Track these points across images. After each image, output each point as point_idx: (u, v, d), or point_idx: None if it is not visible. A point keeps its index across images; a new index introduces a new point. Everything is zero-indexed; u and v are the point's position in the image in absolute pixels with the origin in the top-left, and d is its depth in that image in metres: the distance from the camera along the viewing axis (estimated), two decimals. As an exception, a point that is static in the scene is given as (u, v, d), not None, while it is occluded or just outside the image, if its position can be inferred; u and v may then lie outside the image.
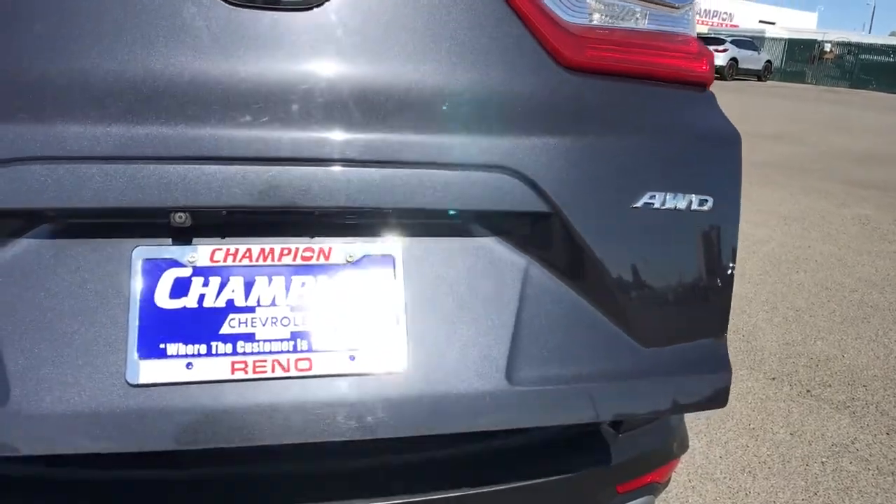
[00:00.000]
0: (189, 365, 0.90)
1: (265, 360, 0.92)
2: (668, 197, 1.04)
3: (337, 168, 0.92)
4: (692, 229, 1.08)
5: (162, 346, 0.90)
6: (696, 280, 1.09)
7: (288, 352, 0.93)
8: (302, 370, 0.93)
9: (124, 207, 0.88)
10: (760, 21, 56.33)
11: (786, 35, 40.65)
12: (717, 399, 1.10)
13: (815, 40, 37.15)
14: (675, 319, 1.09)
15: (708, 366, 1.10)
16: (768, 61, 33.65)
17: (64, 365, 0.87)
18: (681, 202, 1.05)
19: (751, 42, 33.03)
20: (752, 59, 31.80)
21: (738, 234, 1.11)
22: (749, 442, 2.58)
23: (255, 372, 0.92)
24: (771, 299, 4.02)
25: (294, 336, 0.94)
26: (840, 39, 37.54)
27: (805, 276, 4.54)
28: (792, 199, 6.76)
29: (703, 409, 1.12)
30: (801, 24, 61.46)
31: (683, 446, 1.38)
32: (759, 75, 32.20)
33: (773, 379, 3.08)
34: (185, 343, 0.91)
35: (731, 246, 1.10)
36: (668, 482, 1.42)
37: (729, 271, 1.10)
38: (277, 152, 0.90)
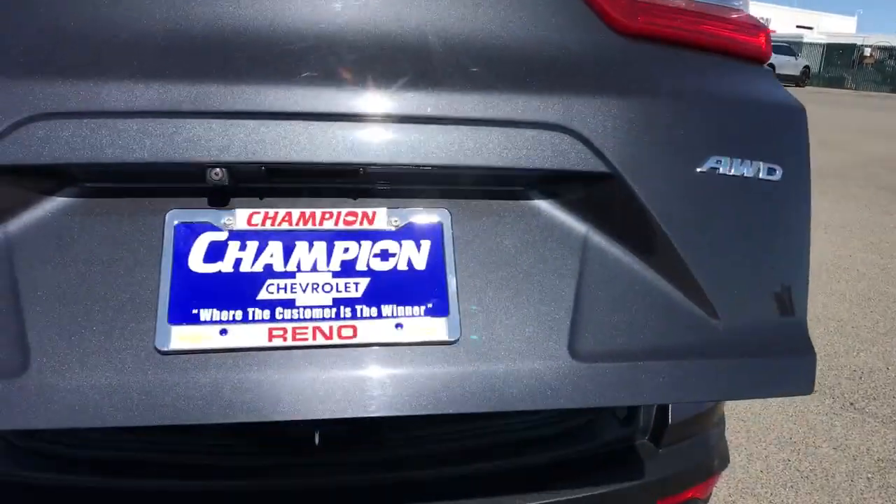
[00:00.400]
0: (223, 331, 0.86)
1: (306, 328, 0.87)
2: (734, 163, 1.00)
3: (382, 124, 0.88)
4: (762, 198, 1.02)
5: (195, 311, 0.86)
6: (768, 252, 1.03)
7: (330, 319, 0.88)
8: (345, 338, 0.88)
9: (159, 162, 0.84)
10: (798, 26, 55.45)
11: (824, 40, 39.95)
12: (801, 383, 1.01)
13: (855, 45, 36.43)
14: (749, 294, 1.02)
15: (788, 346, 1.02)
16: (806, 66, 33.09)
17: (88, 331, 0.83)
18: (748, 169, 1.01)
19: (788, 48, 32.52)
20: (789, 65, 31.31)
21: (810, 207, 1.06)
22: (790, 456, 2.53)
23: (294, 339, 0.87)
24: (812, 309, 3.93)
25: (337, 303, 0.89)
26: (881, 43, 36.73)
27: (847, 285, 4.44)
28: (833, 207, 6.62)
29: (786, 395, 1.04)
30: (839, 28, 60.32)
31: (724, 461, 1.36)
32: (797, 81, 31.64)
33: (815, 391, 3.01)
34: (220, 309, 0.87)
35: (804, 218, 1.05)
36: (708, 498, 1.40)
37: (803, 245, 1.05)
38: (318, 107, 0.86)
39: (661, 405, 1.27)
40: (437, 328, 0.90)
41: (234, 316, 0.87)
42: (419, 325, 0.90)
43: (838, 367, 3.25)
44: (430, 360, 0.89)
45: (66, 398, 0.80)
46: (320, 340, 0.87)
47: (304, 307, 0.88)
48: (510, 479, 1.14)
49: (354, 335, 0.88)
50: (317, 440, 1.12)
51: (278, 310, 0.88)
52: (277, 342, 0.86)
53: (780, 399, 2.90)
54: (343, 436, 1.18)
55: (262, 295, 0.88)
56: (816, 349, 1.05)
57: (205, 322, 0.86)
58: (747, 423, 2.72)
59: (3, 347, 0.81)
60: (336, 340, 0.87)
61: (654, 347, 0.95)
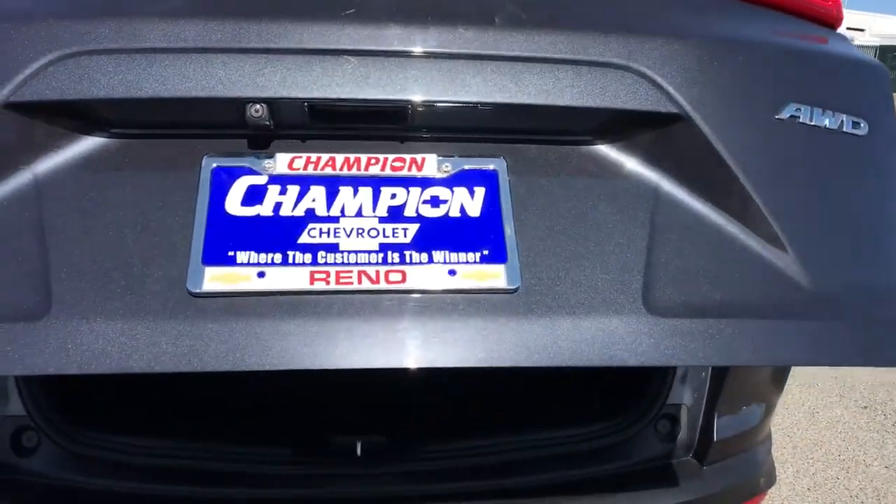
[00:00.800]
0: (261, 274, 0.81)
1: (350, 272, 0.82)
2: (815, 112, 0.95)
3: (432, 61, 0.84)
4: (849, 151, 0.97)
5: (231, 253, 0.82)
6: (859, 207, 0.96)
7: (377, 264, 0.83)
8: (393, 282, 0.82)
9: (197, 97, 0.81)
10: (849, 28, 54.00)
11: (877, 42, 38.85)
12: None
13: (910, 47, 35.33)
14: (840, 251, 0.95)
15: (890, 311, 0.93)
16: (857, 70, 32.18)
17: (115, 273, 0.80)
18: (831, 120, 0.96)
19: (838, 50, 31.70)
20: (839, 69, 30.50)
21: None
22: (839, 474, 2.46)
23: (338, 283, 0.81)
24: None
25: (384, 248, 0.84)
26: (937, 46, 35.56)
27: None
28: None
29: (886, 365, 0.93)
30: (894, 29, 58.59)
31: (770, 480, 1.33)
32: (848, 85, 30.82)
33: (865, 407, 2.93)
34: (258, 252, 0.82)
35: (894, 177, 0.98)
36: (754, 517, 1.37)
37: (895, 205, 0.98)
38: (363, 44, 0.83)
39: (705, 421, 1.25)
40: (494, 275, 0.84)
41: (272, 259, 0.82)
42: (475, 271, 0.84)
43: (890, 384, 3.15)
44: (489, 308, 0.83)
45: (89, 343, 0.76)
46: (366, 285, 0.82)
47: (349, 252, 0.84)
48: (550, 495, 1.13)
49: (403, 280, 0.83)
50: (358, 450, 1.14)
51: (321, 254, 0.83)
52: (320, 286, 0.81)
53: (828, 415, 2.83)
54: (386, 446, 1.19)
55: (304, 239, 0.84)
56: (866, 364, 0.99)
57: (241, 264, 0.82)
58: (794, 438, 2.66)
59: (23, 290, 0.78)
60: (383, 285, 0.82)
61: (738, 304, 0.88)
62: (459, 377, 1.55)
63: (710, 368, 1.24)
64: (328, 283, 0.81)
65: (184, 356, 0.77)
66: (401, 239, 0.85)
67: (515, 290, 0.84)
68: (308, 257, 0.83)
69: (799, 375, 3.02)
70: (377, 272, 0.83)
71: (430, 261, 0.84)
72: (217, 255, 0.82)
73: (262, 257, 0.82)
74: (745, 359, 0.87)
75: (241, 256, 0.82)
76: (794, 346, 0.88)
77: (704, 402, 1.25)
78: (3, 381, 1.12)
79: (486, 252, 0.86)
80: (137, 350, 0.76)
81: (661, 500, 1.14)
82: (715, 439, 1.23)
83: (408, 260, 0.84)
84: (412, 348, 0.80)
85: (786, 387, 1.47)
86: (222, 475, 1.16)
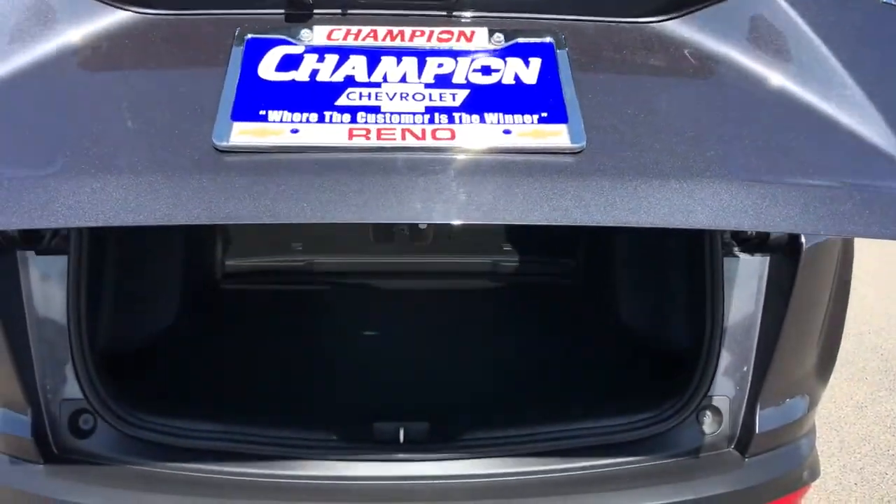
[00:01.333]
0: (295, 130, 0.81)
1: (393, 129, 0.81)
2: None
3: None
4: None
5: (262, 112, 0.82)
6: None
7: (422, 123, 0.82)
8: (441, 139, 0.80)
9: None
10: None
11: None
12: None
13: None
14: None
15: None
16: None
17: (138, 131, 0.80)
18: None
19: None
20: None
21: None
22: (888, 469, 2.40)
23: (379, 139, 0.80)
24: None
25: (430, 110, 0.84)
26: None
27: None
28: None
29: None
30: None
31: (814, 473, 1.32)
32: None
33: (917, 402, 2.85)
34: (292, 111, 0.82)
35: None
36: (797, 510, 1.36)
37: None
38: None
39: (747, 413, 1.25)
40: (555, 133, 0.82)
41: (307, 118, 0.82)
42: (532, 130, 0.82)
43: (943, 377, 3.06)
44: (549, 165, 0.80)
45: (108, 195, 0.75)
46: (411, 142, 0.81)
47: (392, 113, 0.83)
48: (588, 484, 1.14)
49: (452, 137, 0.81)
50: (401, 437, 1.16)
51: (360, 114, 0.82)
52: (359, 142, 0.80)
53: (877, 409, 2.76)
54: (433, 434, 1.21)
55: (342, 101, 0.83)
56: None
57: (273, 122, 0.81)
58: (841, 432, 2.61)
59: (42, 149, 0.78)
60: (430, 142, 0.81)
61: (836, 176, 0.84)
62: (512, 364, 1.57)
63: (753, 360, 1.23)
64: (368, 139, 0.80)
65: (206, 208, 0.74)
66: (449, 102, 0.84)
67: (580, 151, 0.81)
68: (347, 117, 0.82)
69: (846, 369, 2.96)
70: (423, 130, 0.81)
71: (482, 121, 0.82)
72: (247, 112, 0.81)
73: (297, 116, 0.82)
74: (852, 230, 0.83)
75: (274, 115, 0.82)
76: (884, 221, 0.81)
77: (747, 393, 1.25)
78: (61, 366, 1.17)
79: (544, 114, 0.83)
80: (157, 201, 0.75)
81: (702, 491, 1.14)
82: (757, 431, 1.23)
83: (457, 121, 0.82)
84: (464, 203, 0.77)
85: (833, 380, 1.45)
86: (266, 459, 1.19)
